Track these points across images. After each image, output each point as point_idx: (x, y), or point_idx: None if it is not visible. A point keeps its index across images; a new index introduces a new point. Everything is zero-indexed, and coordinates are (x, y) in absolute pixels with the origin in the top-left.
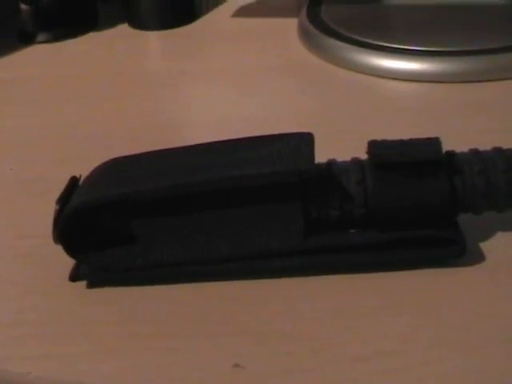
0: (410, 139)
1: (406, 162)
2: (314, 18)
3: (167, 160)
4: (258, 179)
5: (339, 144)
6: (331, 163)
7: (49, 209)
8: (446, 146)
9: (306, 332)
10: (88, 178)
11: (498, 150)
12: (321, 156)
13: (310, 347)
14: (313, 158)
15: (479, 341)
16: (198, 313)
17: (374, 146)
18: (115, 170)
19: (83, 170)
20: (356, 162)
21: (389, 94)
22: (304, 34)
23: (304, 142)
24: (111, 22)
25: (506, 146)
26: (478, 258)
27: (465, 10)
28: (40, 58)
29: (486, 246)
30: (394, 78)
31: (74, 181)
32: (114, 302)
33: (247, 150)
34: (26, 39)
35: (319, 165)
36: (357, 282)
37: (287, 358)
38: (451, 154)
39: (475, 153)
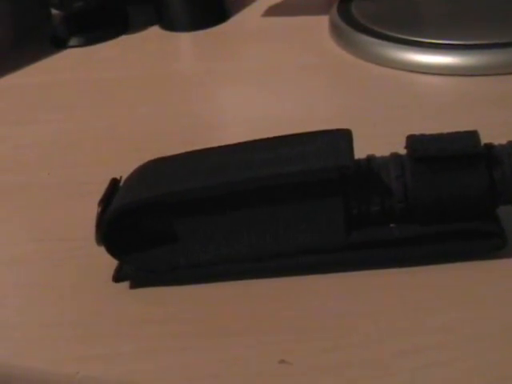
0: (448, 133)
1: (444, 156)
2: (345, 14)
3: (206, 159)
4: (298, 176)
5: (376, 140)
6: (370, 159)
7: (90, 211)
8: (484, 139)
9: (349, 327)
10: (128, 179)
11: None
12: (359, 152)
13: (353, 342)
14: (352, 154)
15: None
16: (242, 310)
17: (413, 141)
18: (155, 170)
19: (122, 172)
20: (395, 156)
21: (423, 89)
22: (335, 31)
23: (343, 138)
24: (142, 25)
25: None
26: None
27: (495, 2)
28: (73, 63)
29: None
30: (428, 73)
31: (114, 182)
32: (158, 301)
33: (286, 147)
34: (58, 44)
35: (359, 160)
36: (397, 276)
37: (331, 352)
38: (490, 147)
39: None
